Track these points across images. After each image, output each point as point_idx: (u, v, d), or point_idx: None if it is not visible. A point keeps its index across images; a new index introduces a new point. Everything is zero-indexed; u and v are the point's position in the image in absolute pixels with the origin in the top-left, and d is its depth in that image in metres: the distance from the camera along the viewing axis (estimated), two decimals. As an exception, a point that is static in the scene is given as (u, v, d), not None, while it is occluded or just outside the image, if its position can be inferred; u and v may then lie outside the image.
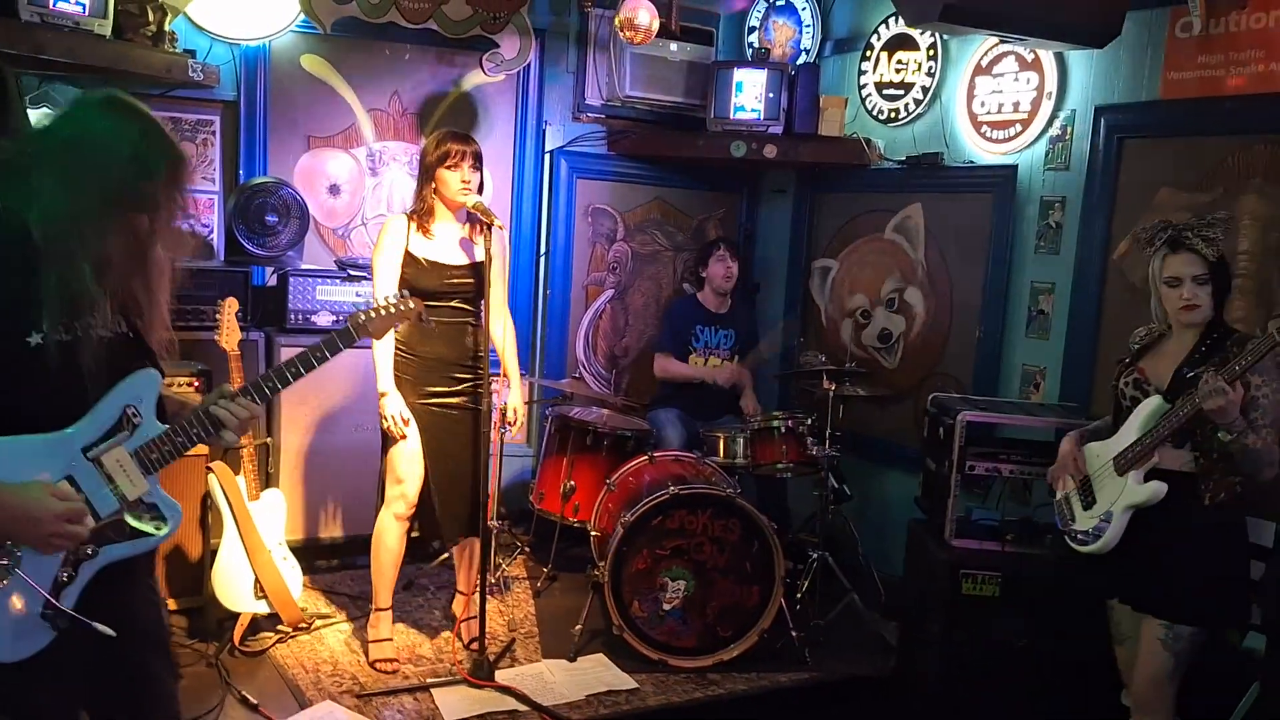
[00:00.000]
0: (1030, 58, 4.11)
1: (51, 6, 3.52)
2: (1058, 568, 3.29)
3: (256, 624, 3.71)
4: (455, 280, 3.47)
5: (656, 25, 4.37)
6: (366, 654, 3.63)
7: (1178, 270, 2.71)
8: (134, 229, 1.77)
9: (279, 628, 3.72)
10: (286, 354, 4.14)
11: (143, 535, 1.82)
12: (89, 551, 1.76)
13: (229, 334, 3.60)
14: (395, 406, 3.42)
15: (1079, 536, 2.90)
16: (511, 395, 3.71)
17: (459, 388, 3.50)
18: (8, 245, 1.67)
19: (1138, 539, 2.77)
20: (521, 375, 3.81)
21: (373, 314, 2.25)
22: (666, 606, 3.69)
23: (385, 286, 3.43)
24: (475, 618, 3.60)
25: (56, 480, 1.72)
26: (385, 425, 3.44)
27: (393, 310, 2.28)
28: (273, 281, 4.49)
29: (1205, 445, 2.66)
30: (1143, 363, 2.85)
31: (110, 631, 1.74)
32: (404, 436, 3.43)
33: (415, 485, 3.50)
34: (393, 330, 3.43)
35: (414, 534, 3.68)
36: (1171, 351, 2.79)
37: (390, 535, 3.57)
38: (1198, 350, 2.71)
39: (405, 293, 2.36)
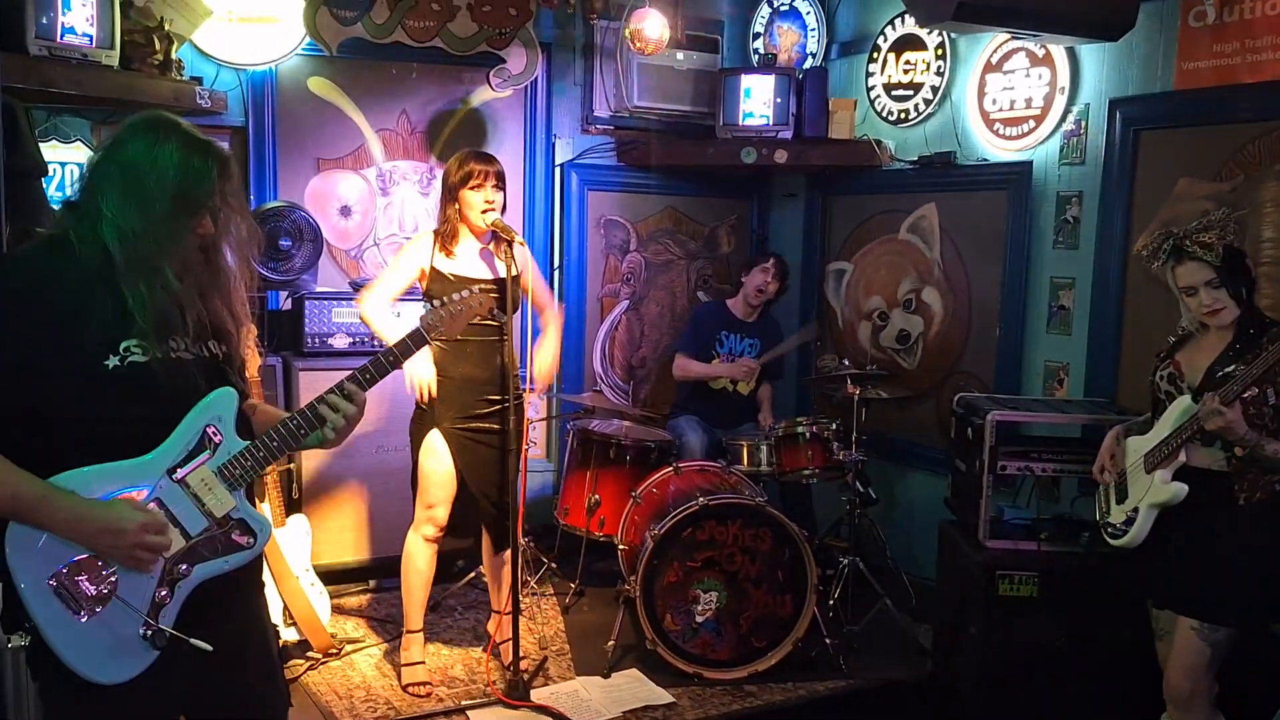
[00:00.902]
0: (1041, 53, 4.09)
1: (58, 39, 3.51)
2: (1095, 566, 3.27)
3: (287, 652, 3.67)
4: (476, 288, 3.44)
5: (667, 35, 4.36)
6: (399, 678, 3.60)
7: (1189, 280, 2.72)
8: (201, 237, 1.83)
9: (309, 654, 3.69)
10: (305, 378, 4.18)
11: (233, 551, 1.85)
12: (183, 570, 1.80)
13: (249, 360, 3.57)
14: (425, 373, 3.39)
15: (1111, 529, 2.92)
16: (543, 354, 3.67)
17: (492, 410, 3.47)
18: (90, 269, 1.73)
19: (1171, 537, 2.75)
20: (530, 389, 3.77)
21: (443, 311, 2.26)
22: (700, 619, 3.66)
23: (388, 282, 3.47)
24: (509, 640, 3.59)
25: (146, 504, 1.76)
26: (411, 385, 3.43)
27: (462, 307, 2.28)
28: (288, 306, 4.47)
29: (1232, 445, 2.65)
30: (1180, 355, 2.84)
31: (207, 646, 1.78)
32: (427, 397, 3.41)
33: (445, 509, 3.48)
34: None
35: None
36: (1207, 346, 2.78)
37: (419, 557, 3.54)
38: (1231, 347, 2.70)
39: (474, 289, 2.34)
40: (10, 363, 1.68)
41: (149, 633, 1.75)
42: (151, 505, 1.77)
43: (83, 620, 1.70)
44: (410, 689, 3.54)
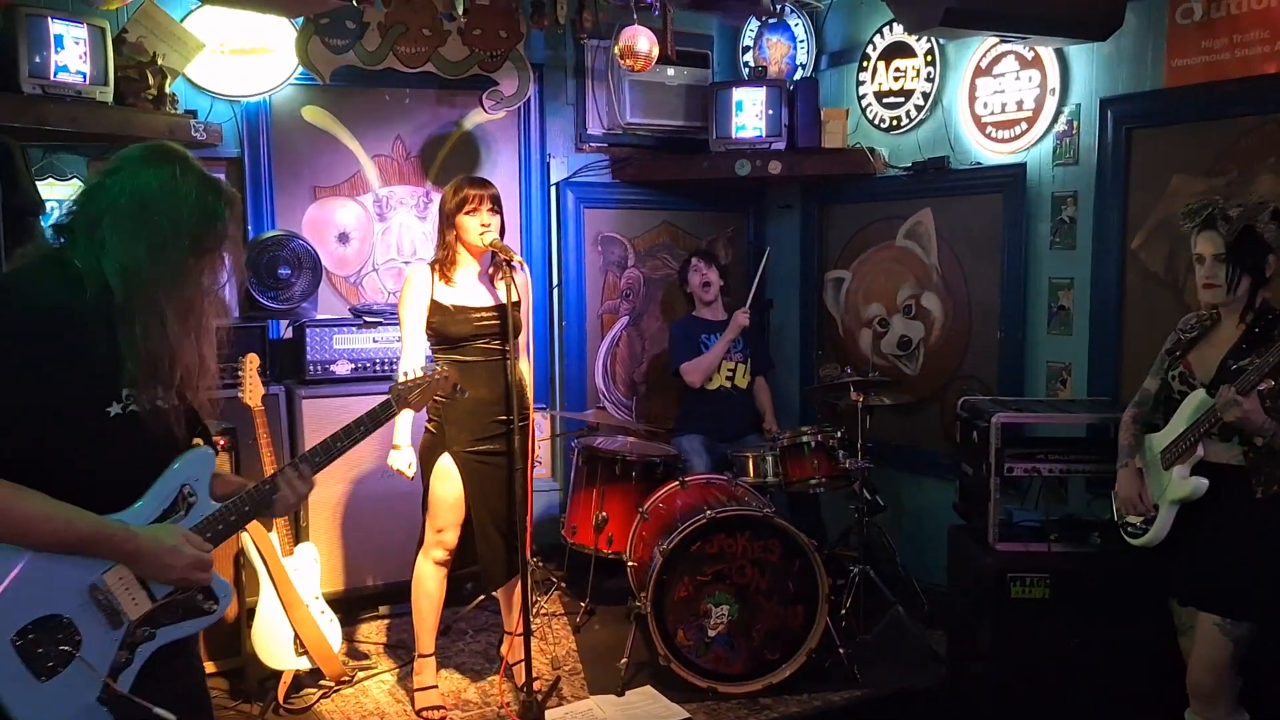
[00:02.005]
0: (1030, 56, 4.11)
1: (52, 78, 3.54)
2: (1111, 565, 3.26)
3: (299, 681, 3.66)
4: (483, 322, 3.45)
5: (656, 51, 4.38)
6: (412, 703, 3.59)
7: (1201, 248, 2.75)
8: (205, 280, 1.77)
9: (321, 683, 3.68)
10: (308, 406, 4.18)
11: (196, 615, 1.81)
12: (145, 633, 1.74)
13: (252, 390, 3.57)
14: (403, 461, 3.47)
15: (1130, 528, 2.90)
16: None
17: (501, 432, 3.47)
18: (94, 307, 1.66)
19: (1192, 534, 2.74)
20: (541, 409, 3.78)
21: (411, 384, 2.26)
22: (712, 633, 3.65)
23: (413, 337, 3.44)
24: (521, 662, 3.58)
25: (104, 571, 1.69)
26: (394, 468, 3.49)
27: (428, 382, 2.29)
28: (289, 334, 4.48)
29: (1251, 437, 2.64)
30: (1191, 355, 2.84)
31: (171, 717, 1.73)
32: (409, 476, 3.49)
33: (455, 533, 3.48)
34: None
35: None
36: (1219, 341, 2.78)
37: (430, 581, 3.53)
38: (1244, 341, 2.69)
39: (437, 365, 2.38)
40: (16, 399, 1.58)
41: (107, 696, 1.68)
42: (194, 532, 1.76)
43: (43, 682, 1.63)
44: (424, 714, 3.52)
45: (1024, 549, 3.46)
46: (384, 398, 2.19)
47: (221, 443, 3.68)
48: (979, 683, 3.51)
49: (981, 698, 3.49)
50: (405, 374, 2.33)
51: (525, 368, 3.61)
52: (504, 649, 3.79)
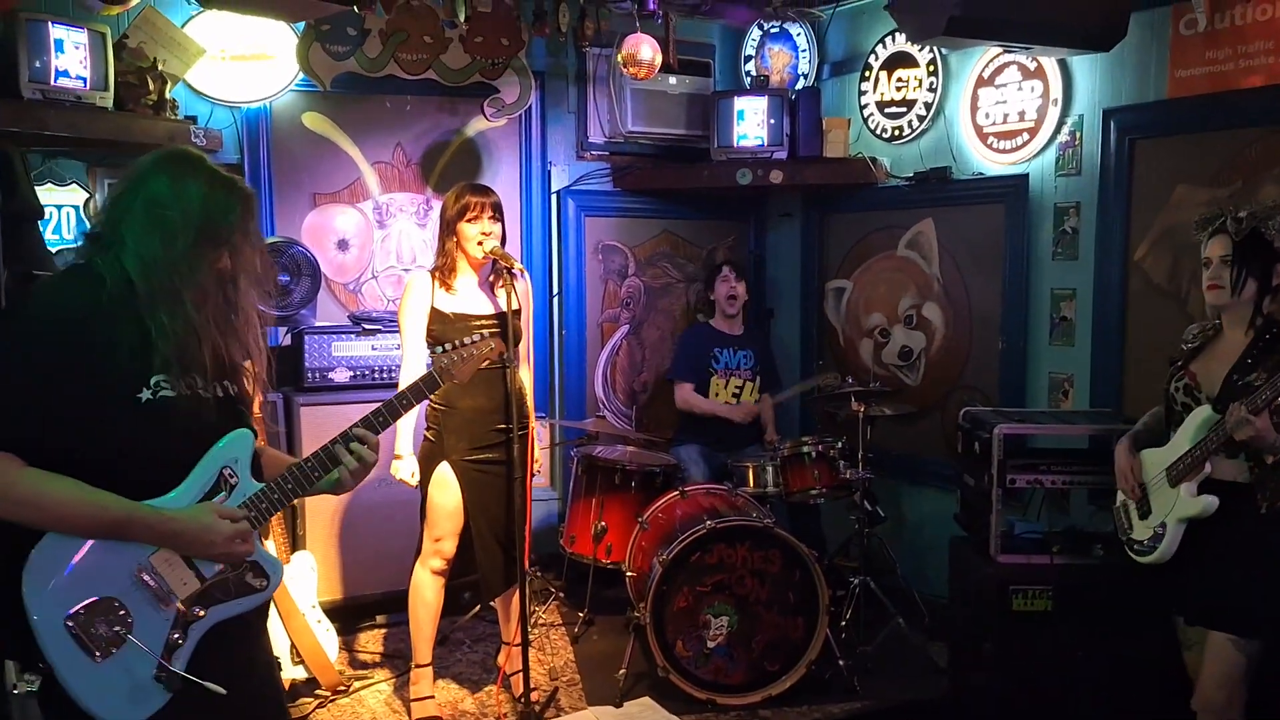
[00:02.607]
0: (1033, 66, 4.10)
1: (52, 83, 3.52)
2: (1114, 578, 3.23)
3: (295, 690, 3.63)
4: (484, 330, 3.42)
5: (659, 60, 4.37)
6: (409, 713, 3.55)
7: (1210, 250, 2.73)
8: (220, 272, 1.84)
9: (317, 692, 3.65)
10: (306, 414, 4.16)
11: (247, 593, 1.84)
12: (196, 613, 1.78)
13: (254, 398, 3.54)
14: (406, 471, 3.44)
15: (1136, 546, 2.86)
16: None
17: (500, 441, 3.44)
18: (117, 297, 1.73)
19: (1197, 551, 2.71)
20: (541, 418, 3.76)
21: (454, 355, 2.27)
22: (711, 644, 3.62)
23: (414, 345, 3.42)
24: (519, 672, 3.55)
25: (150, 554, 1.75)
26: (397, 478, 3.46)
27: (474, 352, 2.30)
28: (287, 341, 4.45)
29: (1258, 454, 2.62)
30: (1194, 365, 2.80)
31: (221, 690, 1.77)
32: (411, 485, 3.46)
33: (453, 542, 3.45)
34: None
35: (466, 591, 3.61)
36: (1223, 353, 2.74)
37: (427, 590, 3.51)
38: (1249, 354, 2.66)
39: (484, 334, 2.34)
40: (44, 392, 1.66)
41: (163, 675, 1.73)
42: (230, 504, 1.80)
43: (98, 662, 1.68)
44: None
45: (1026, 561, 3.44)
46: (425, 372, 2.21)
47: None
48: (980, 695, 3.48)
49: (983, 711, 3.47)
50: (448, 355, 2.31)
51: (526, 376, 3.60)
52: (501, 659, 3.77)
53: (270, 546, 3.54)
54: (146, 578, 1.73)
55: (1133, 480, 2.90)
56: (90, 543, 1.69)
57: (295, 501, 3.94)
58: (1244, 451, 2.63)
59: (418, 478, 3.47)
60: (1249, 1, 3.36)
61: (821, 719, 3.58)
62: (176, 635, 1.76)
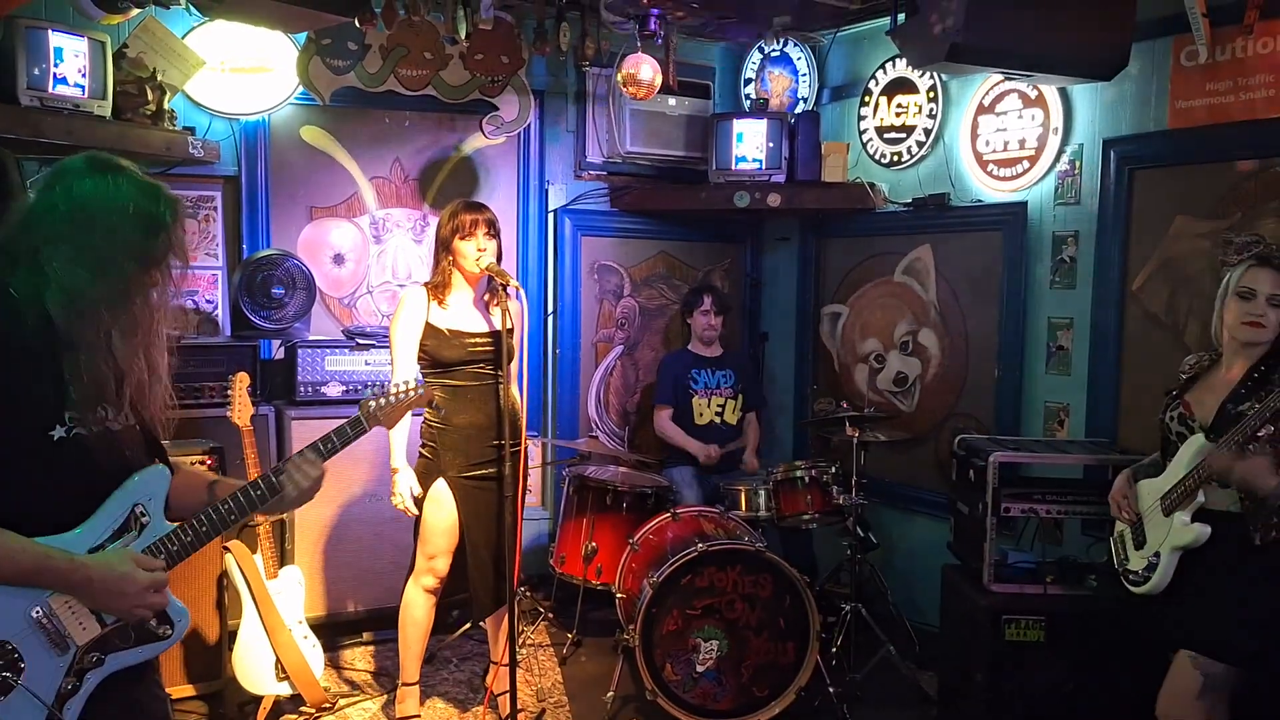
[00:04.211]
0: (1034, 94, 4.11)
1: (50, 90, 3.52)
2: (1104, 609, 3.22)
3: (279, 707, 3.58)
4: (477, 348, 3.42)
5: (659, 80, 4.38)
6: (394, 733, 3.51)
7: (1256, 283, 2.65)
8: (145, 292, 1.70)
9: (302, 709, 3.59)
10: (298, 427, 4.13)
11: (149, 641, 1.75)
12: (94, 659, 1.68)
13: (241, 409, 3.52)
14: (407, 484, 3.38)
15: (1131, 576, 2.85)
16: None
17: (496, 457, 3.41)
18: (32, 336, 1.61)
19: (1190, 580, 2.70)
20: (533, 436, 3.73)
21: (383, 401, 2.19)
22: (700, 668, 3.58)
23: (404, 359, 3.40)
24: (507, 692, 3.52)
25: (48, 595, 1.64)
26: (396, 503, 3.38)
27: (402, 398, 2.22)
28: (280, 354, 4.43)
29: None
30: (1190, 395, 2.79)
31: None
32: (412, 514, 3.39)
33: (447, 560, 3.42)
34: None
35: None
36: (1219, 384, 2.73)
37: (419, 608, 3.47)
38: (1244, 384, 2.65)
39: (414, 379, 2.30)
40: None
41: None
42: (146, 553, 1.70)
43: None
44: None
45: (1019, 590, 3.41)
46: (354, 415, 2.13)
47: (208, 462, 3.63)
48: (971, 726, 3.44)
49: (974, 742, 3.43)
50: (375, 400, 2.22)
51: (516, 395, 3.58)
52: (490, 679, 3.72)
53: (258, 561, 3.50)
54: (44, 621, 1.62)
55: (1123, 502, 2.90)
56: None
57: (284, 518, 3.98)
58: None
59: (418, 491, 3.40)
60: (1250, 34, 3.37)
61: (810, 747, 3.55)
62: (70, 683, 1.64)
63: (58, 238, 1.62)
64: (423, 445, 3.48)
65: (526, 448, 3.51)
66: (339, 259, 4.70)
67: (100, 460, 1.69)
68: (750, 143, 4.93)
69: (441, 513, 3.39)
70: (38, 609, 1.62)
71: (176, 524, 1.78)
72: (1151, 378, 3.65)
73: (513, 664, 3.32)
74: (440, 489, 3.39)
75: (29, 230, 1.64)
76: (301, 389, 4.24)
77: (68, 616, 1.65)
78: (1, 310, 1.61)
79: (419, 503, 3.43)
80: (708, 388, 4.86)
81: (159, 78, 3.95)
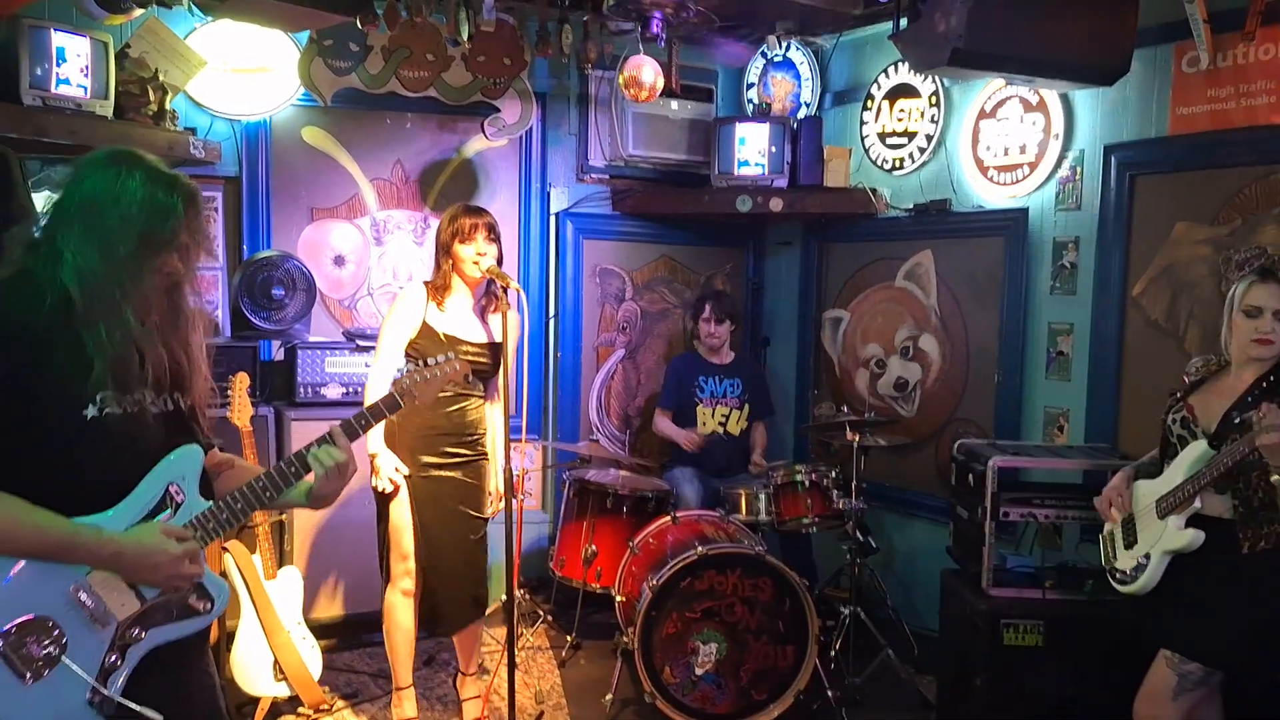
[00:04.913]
0: (1035, 100, 4.12)
1: (53, 90, 3.52)
2: (1102, 614, 3.22)
3: (277, 708, 3.58)
4: (470, 358, 3.40)
5: (661, 83, 4.38)
6: (392, 735, 3.51)
7: (1263, 300, 2.62)
8: (167, 276, 1.76)
9: (300, 710, 3.59)
10: (297, 429, 4.12)
11: (189, 616, 1.78)
12: (135, 634, 1.71)
13: (241, 410, 3.52)
14: (391, 464, 3.35)
15: (1119, 575, 2.87)
16: (491, 479, 3.59)
17: (455, 460, 3.42)
18: (56, 313, 1.66)
19: (1181, 584, 2.70)
20: (534, 440, 3.73)
21: (418, 377, 2.17)
22: (699, 671, 3.57)
23: (388, 354, 3.39)
24: (477, 698, 3.60)
25: (87, 573, 1.67)
26: (377, 485, 3.37)
27: (438, 373, 2.21)
28: (280, 355, 4.43)
29: (1245, 493, 2.61)
30: (1194, 398, 2.79)
31: (158, 716, 1.69)
32: (397, 488, 3.37)
33: (414, 564, 3.41)
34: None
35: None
36: (1225, 390, 2.72)
37: (401, 613, 3.47)
38: (1251, 393, 2.64)
39: (451, 354, 2.27)
40: None
41: (96, 699, 1.65)
42: (175, 522, 1.74)
43: (28, 684, 1.60)
44: None
45: (1018, 595, 3.41)
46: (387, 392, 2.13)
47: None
48: (970, 731, 3.44)
49: (973, 747, 3.42)
50: (410, 376, 2.20)
51: (499, 408, 3.54)
52: (458, 687, 3.69)
53: (257, 562, 3.50)
54: (83, 597, 1.66)
55: (1116, 500, 2.90)
56: (24, 563, 1.62)
57: (283, 517, 3.98)
58: (1232, 489, 2.62)
59: (405, 469, 3.36)
60: (1252, 41, 3.37)
61: (809, 751, 3.54)
62: (113, 658, 1.68)
63: (71, 221, 1.69)
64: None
65: (493, 458, 3.51)
66: (339, 260, 4.71)
67: (136, 439, 1.73)
68: (753, 147, 4.94)
69: (404, 512, 3.38)
70: (76, 585, 1.66)
71: (210, 503, 1.81)
72: (1151, 383, 3.65)
73: (511, 666, 3.31)
74: (401, 489, 3.39)
75: (51, 220, 1.73)
76: (301, 390, 4.24)
77: (107, 593, 1.68)
78: (26, 292, 1.67)
79: (381, 507, 3.42)
80: (714, 396, 4.84)
81: (161, 78, 3.95)
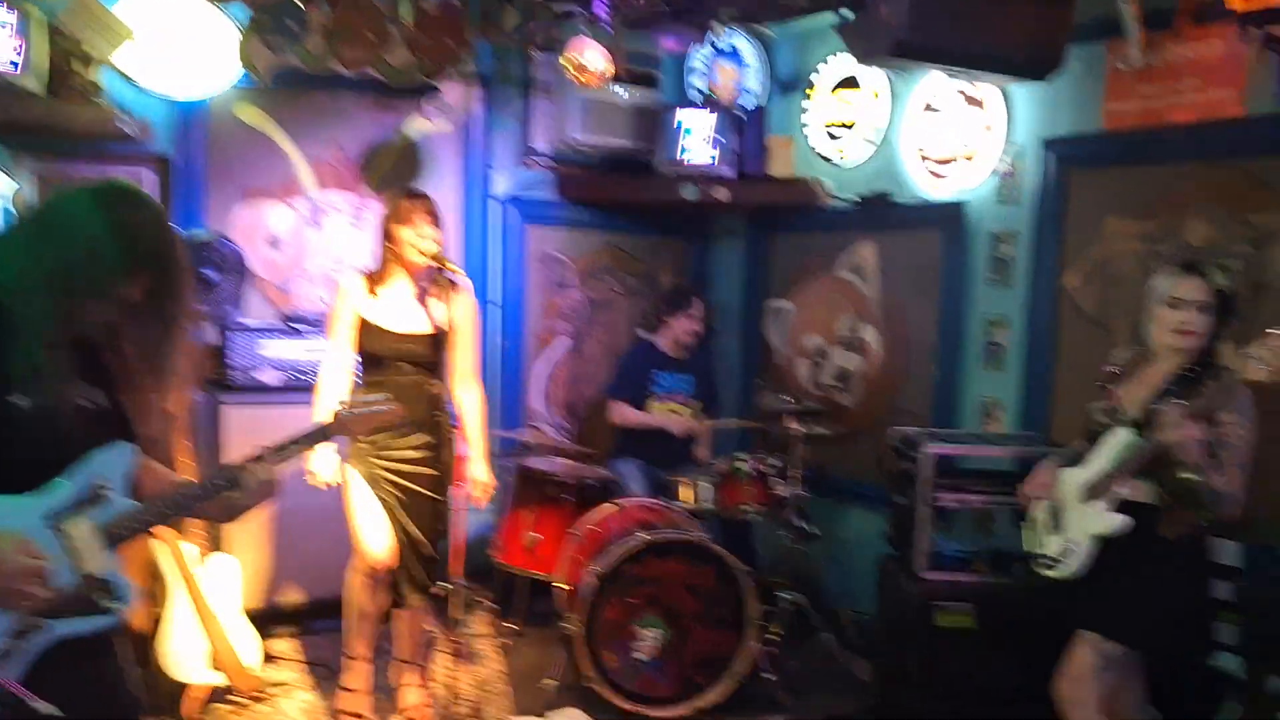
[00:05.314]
0: (976, 94, 4.18)
1: (-20, 65, 3.40)
2: (1031, 596, 3.30)
3: (210, 695, 3.51)
4: (409, 346, 3.38)
5: (605, 68, 4.35)
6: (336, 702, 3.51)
7: (1184, 293, 2.68)
8: (102, 323, 1.76)
9: (231, 697, 3.54)
10: (231, 414, 4.05)
11: (94, 613, 1.75)
12: (36, 623, 1.67)
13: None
14: (323, 462, 3.35)
15: (1044, 560, 2.92)
16: (476, 467, 3.59)
17: (413, 444, 3.39)
18: None
19: (1104, 567, 2.78)
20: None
21: (356, 412, 2.17)
22: (641, 656, 3.59)
23: (337, 349, 3.39)
24: (417, 685, 3.58)
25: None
26: (310, 480, 3.38)
27: (376, 410, 2.20)
28: (212, 339, 4.33)
29: (1166, 481, 2.68)
30: (1120, 389, 2.86)
31: (55, 710, 1.62)
32: (326, 485, 3.39)
33: (382, 543, 3.37)
34: (342, 388, 3.40)
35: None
36: (1149, 380, 2.80)
37: (361, 595, 3.44)
38: (1173, 383, 2.71)
39: (388, 395, 2.26)
40: None
41: None
42: (34, 540, 1.68)
43: None
44: (340, 716, 3.46)
45: (950, 579, 3.48)
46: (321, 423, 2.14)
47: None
48: (904, 709, 3.50)
49: (906, 725, 3.49)
50: (348, 408, 2.21)
51: (475, 394, 3.58)
52: (391, 675, 3.67)
53: (188, 548, 3.42)
54: None
55: (1041, 491, 2.96)
56: None
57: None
58: (1154, 476, 2.70)
59: (332, 477, 3.37)
60: (1181, 39, 3.46)
61: (748, 732, 3.58)
62: (9, 643, 1.65)
63: (21, 231, 1.77)
64: None
65: (456, 444, 3.48)
66: (275, 242, 4.61)
67: (67, 433, 1.73)
68: (698, 135, 4.93)
69: (357, 493, 3.37)
70: None
71: (136, 504, 1.80)
72: (1083, 374, 3.73)
73: (456, 653, 3.30)
74: (354, 476, 3.38)
75: (19, 219, 1.84)
76: (235, 374, 4.16)
77: None
78: None
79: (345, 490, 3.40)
80: (669, 391, 4.81)
81: (89, 51, 3.82)
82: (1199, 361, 2.72)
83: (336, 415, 2.14)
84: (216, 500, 1.90)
